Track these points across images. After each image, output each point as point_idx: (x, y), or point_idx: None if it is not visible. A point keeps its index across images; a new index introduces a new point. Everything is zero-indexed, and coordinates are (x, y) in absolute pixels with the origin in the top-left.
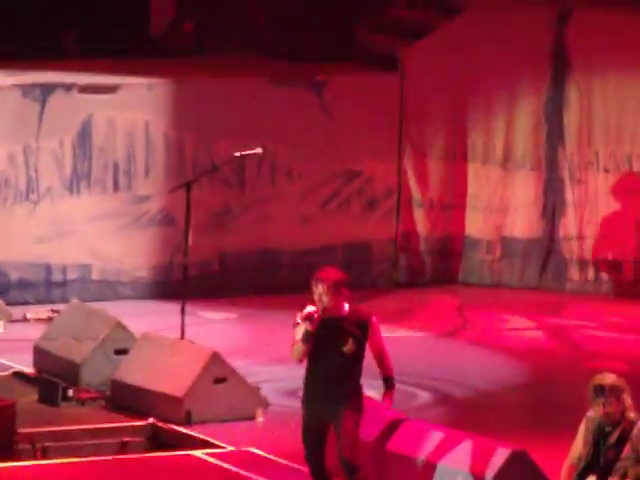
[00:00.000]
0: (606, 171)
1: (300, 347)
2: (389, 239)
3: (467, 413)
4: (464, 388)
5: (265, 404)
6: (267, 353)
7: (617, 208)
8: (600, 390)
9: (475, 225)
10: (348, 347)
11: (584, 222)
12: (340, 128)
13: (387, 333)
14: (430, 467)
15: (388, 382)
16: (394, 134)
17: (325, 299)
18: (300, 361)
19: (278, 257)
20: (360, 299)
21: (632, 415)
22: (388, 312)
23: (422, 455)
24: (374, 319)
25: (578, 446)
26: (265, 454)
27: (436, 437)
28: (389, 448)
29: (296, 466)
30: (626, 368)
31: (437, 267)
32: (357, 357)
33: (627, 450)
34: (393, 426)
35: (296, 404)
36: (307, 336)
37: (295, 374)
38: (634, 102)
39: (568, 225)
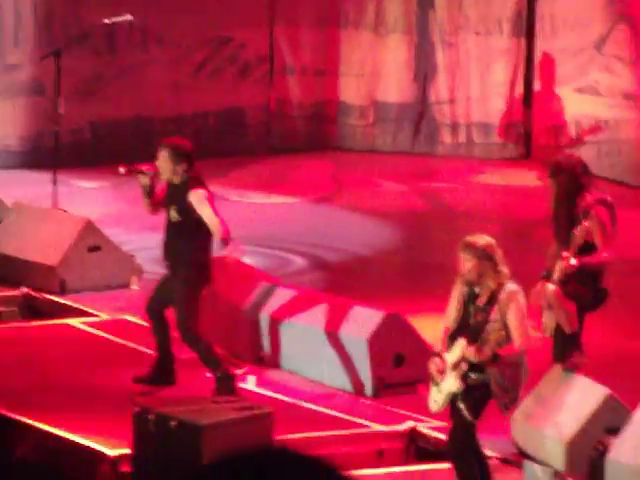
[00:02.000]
0: (477, 34)
1: (145, 201)
2: (262, 105)
3: (343, 278)
4: (339, 253)
5: (139, 272)
6: (141, 221)
7: (487, 71)
8: (471, 248)
9: (348, 91)
10: (172, 214)
11: (455, 85)
12: None
13: (262, 199)
14: (308, 332)
15: (224, 243)
16: (266, 0)
17: (162, 166)
18: (151, 213)
19: (150, 124)
20: (235, 166)
21: (502, 279)
22: (263, 178)
23: (299, 320)
24: (200, 191)
25: (451, 308)
26: (140, 321)
27: (314, 301)
28: (266, 313)
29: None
30: (497, 229)
31: (311, 133)
32: (183, 226)
33: (494, 313)
34: (268, 292)
35: None
36: (143, 189)
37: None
38: None
39: (439, 89)
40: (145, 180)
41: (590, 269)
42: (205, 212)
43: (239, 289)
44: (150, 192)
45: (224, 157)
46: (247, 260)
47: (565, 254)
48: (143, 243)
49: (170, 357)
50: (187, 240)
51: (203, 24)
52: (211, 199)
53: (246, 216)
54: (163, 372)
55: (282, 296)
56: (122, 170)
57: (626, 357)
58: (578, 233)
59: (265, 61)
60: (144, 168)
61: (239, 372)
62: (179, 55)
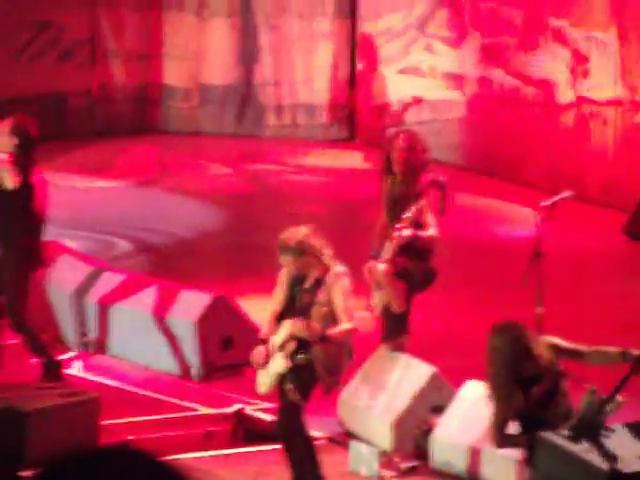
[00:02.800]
0: (300, 17)
1: None
2: (85, 90)
3: (169, 261)
4: (166, 236)
5: None
6: None
7: (311, 53)
8: (286, 247)
9: (172, 73)
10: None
11: (279, 68)
12: None
13: (87, 184)
14: (135, 316)
15: None
16: None
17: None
18: None
19: None
20: (59, 151)
21: (327, 261)
22: (87, 163)
23: (125, 305)
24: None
25: (279, 291)
26: None
27: (141, 286)
28: (92, 298)
29: None
30: (324, 210)
31: (135, 116)
32: (13, 197)
33: (321, 294)
34: (94, 276)
35: None
36: None
37: None
38: None
39: (264, 71)
40: None
41: (419, 247)
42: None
43: (64, 273)
44: None
45: (48, 142)
46: (72, 244)
47: (398, 226)
48: None
49: None
50: (20, 213)
51: (22, 7)
52: None
53: (71, 200)
54: None
55: (108, 280)
56: None
57: (451, 336)
58: (410, 214)
59: (87, 44)
60: None
61: (65, 358)
62: None
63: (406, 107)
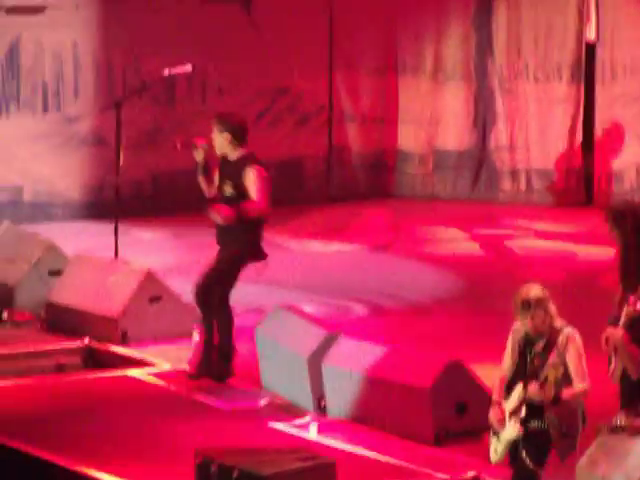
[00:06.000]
0: (536, 80)
1: (199, 178)
2: (321, 155)
3: (403, 326)
4: (399, 301)
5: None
6: (201, 271)
7: (547, 117)
8: (526, 304)
9: (407, 138)
10: (227, 189)
11: (515, 132)
12: (270, 44)
13: (321, 248)
14: (369, 381)
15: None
16: (324, 49)
17: (215, 139)
18: (207, 191)
19: None
20: (294, 215)
21: (558, 324)
22: (322, 227)
23: (360, 369)
24: (256, 167)
25: (507, 357)
26: None
27: (373, 350)
28: (327, 362)
29: (234, 383)
30: (560, 276)
31: (370, 181)
32: (238, 201)
33: (553, 357)
34: (330, 340)
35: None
36: (198, 167)
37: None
38: (562, 12)
39: (499, 135)
40: (200, 155)
41: None
42: (254, 191)
43: (298, 336)
44: (205, 168)
45: (284, 206)
46: (307, 307)
47: (632, 298)
48: None
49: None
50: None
51: (261, 74)
52: (266, 179)
53: (305, 264)
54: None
55: (343, 345)
56: (178, 145)
57: None
58: None
59: (324, 109)
60: (199, 142)
61: (301, 422)
62: (238, 105)
63: None
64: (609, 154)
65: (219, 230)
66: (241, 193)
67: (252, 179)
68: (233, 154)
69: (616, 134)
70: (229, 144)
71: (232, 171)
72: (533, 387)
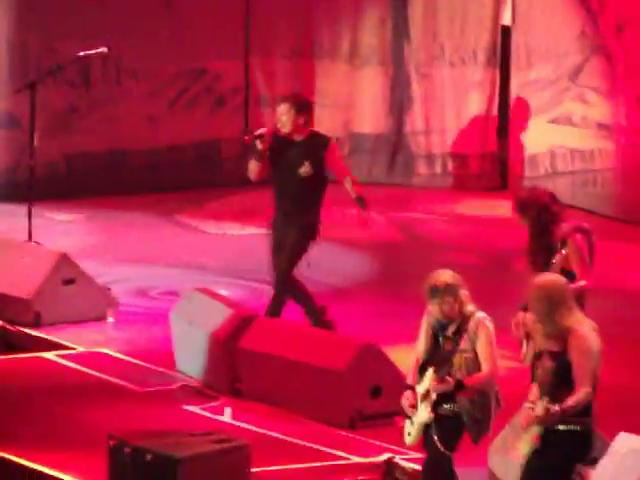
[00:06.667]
0: (452, 65)
1: (253, 165)
2: (238, 137)
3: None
4: (315, 284)
5: (115, 304)
6: (116, 254)
7: (463, 102)
8: (435, 290)
9: (323, 122)
10: (304, 169)
11: (431, 116)
12: (186, 26)
13: (238, 231)
14: (284, 364)
15: (359, 202)
16: (240, 32)
17: (284, 119)
18: (254, 179)
19: (125, 157)
20: (210, 198)
21: (469, 309)
22: (239, 210)
23: (275, 351)
24: (333, 141)
25: (421, 341)
26: (116, 354)
27: (288, 333)
28: (242, 345)
29: (147, 365)
30: (474, 260)
31: None
32: (315, 180)
33: (464, 342)
34: (245, 323)
35: (146, 304)
36: (257, 154)
37: (144, 273)
38: None
39: (415, 120)
40: (264, 144)
41: None
42: (340, 161)
43: (211, 318)
44: (263, 155)
45: (201, 189)
46: (223, 291)
47: None
48: (119, 275)
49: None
50: (317, 194)
51: (177, 56)
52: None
53: (223, 247)
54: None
55: (258, 327)
56: (246, 139)
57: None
58: (556, 261)
59: (240, 92)
60: (264, 132)
61: (215, 404)
62: (153, 87)
63: None
64: (521, 136)
65: (285, 212)
66: (318, 172)
67: (336, 155)
68: (300, 134)
69: (524, 115)
70: (304, 124)
71: (305, 150)
72: (434, 382)
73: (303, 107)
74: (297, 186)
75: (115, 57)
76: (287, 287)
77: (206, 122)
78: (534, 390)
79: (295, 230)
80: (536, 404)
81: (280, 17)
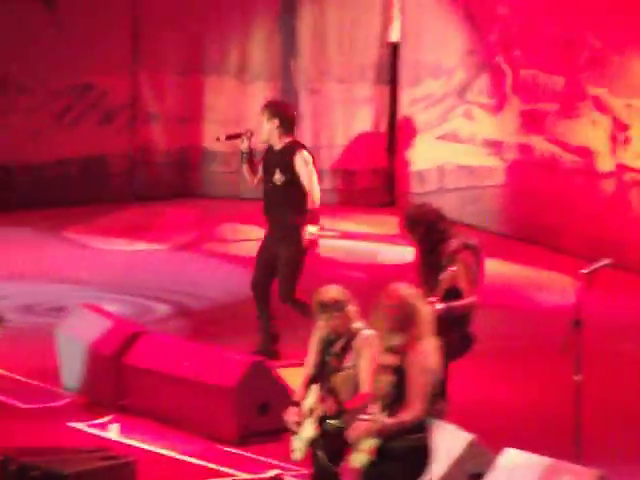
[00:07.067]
0: (340, 81)
1: (244, 168)
2: (125, 153)
3: (207, 325)
4: (203, 300)
5: (1, 321)
6: (1, 270)
7: (352, 118)
8: (323, 305)
9: (212, 137)
10: (277, 177)
11: (320, 132)
12: (73, 42)
13: (125, 246)
14: (172, 380)
15: (310, 218)
16: (128, 47)
17: (265, 126)
18: (252, 184)
19: (10, 173)
20: (98, 213)
21: (357, 326)
22: (126, 225)
23: (162, 368)
24: (304, 151)
25: (310, 356)
26: (1, 371)
27: (176, 349)
28: (128, 361)
29: (33, 382)
30: (364, 276)
31: (175, 180)
32: (288, 187)
33: (349, 359)
34: (132, 339)
35: (32, 320)
36: (241, 155)
37: (30, 290)
38: (366, 13)
39: (304, 135)
40: (244, 144)
41: (456, 314)
42: (308, 175)
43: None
44: (249, 157)
45: (87, 205)
46: (110, 307)
47: (431, 299)
48: (4, 292)
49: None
50: (294, 203)
51: (64, 71)
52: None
53: (110, 263)
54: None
55: (147, 344)
56: (221, 137)
57: (490, 403)
58: (444, 278)
59: (128, 108)
60: (242, 132)
61: (102, 421)
62: (39, 102)
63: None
64: (409, 153)
65: (278, 228)
66: (290, 180)
67: (301, 164)
68: (279, 143)
69: (412, 131)
70: (276, 130)
71: (279, 159)
72: (317, 400)
73: (279, 114)
74: (274, 195)
75: (1, 72)
76: (296, 303)
77: (93, 138)
78: (374, 402)
79: (283, 248)
80: (372, 416)
81: (169, 33)
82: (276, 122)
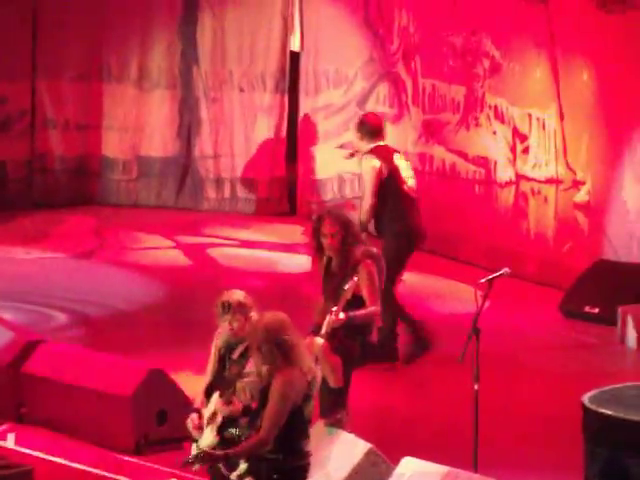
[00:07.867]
0: (240, 90)
1: None
2: (24, 160)
3: (105, 334)
4: (102, 308)
5: None
6: None
7: (251, 127)
8: (226, 307)
9: (111, 145)
10: None
11: (219, 141)
12: None
13: (23, 255)
14: (69, 389)
15: None
16: (27, 54)
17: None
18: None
19: None
20: None
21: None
22: (24, 233)
23: (60, 377)
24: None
25: (210, 363)
26: None
27: (74, 358)
28: (26, 370)
29: None
30: (263, 285)
31: (73, 187)
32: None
33: (250, 365)
34: (29, 348)
35: None
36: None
37: None
38: (266, 22)
39: (204, 144)
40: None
41: (357, 323)
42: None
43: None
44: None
45: None
46: (7, 315)
47: (334, 308)
48: None
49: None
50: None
51: None
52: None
53: (7, 271)
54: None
55: (44, 352)
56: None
57: (389, 411)
58: (348, 287)
59: (26, 115)
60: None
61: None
62: None
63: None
64: (311, 164)
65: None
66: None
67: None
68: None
69: (312, 140)
70: (359, 141)
71: None
72: (220, 403)
73: (360, 127)
74: None
75: None
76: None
77: None
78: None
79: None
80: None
81: (68, 40)
82: (357, 134)
